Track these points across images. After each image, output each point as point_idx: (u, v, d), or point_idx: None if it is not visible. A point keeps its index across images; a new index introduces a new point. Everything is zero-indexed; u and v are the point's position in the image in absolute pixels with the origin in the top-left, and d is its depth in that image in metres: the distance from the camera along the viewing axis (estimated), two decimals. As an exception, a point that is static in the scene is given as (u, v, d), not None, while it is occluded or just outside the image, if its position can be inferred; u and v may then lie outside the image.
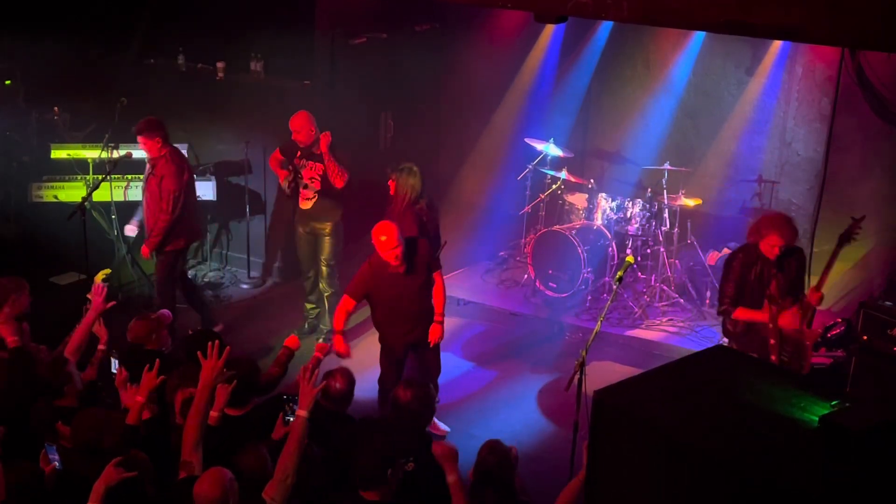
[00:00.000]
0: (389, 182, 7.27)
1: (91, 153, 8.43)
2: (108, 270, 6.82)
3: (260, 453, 4.69)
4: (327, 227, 8.12)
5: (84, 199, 7.22)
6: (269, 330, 8.48)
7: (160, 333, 6.10)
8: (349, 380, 5.44)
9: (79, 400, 5.35)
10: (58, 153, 8.47)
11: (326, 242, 8.20)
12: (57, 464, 4.60)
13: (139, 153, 8.55)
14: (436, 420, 6.80)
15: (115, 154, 8.43)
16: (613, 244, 8.94)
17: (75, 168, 8.78)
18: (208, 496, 4.21)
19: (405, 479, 4.77)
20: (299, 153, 7.95)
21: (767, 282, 6.26)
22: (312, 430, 4.97)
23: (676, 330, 8.55)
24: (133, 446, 4.75)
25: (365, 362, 7.86)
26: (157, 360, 5.16)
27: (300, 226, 8.23)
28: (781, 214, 6.59)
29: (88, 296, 6.43)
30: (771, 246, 6.22)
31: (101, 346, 5.92)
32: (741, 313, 6.36)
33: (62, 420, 4.92)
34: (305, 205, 8.09)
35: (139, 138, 7.54)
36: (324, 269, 8.26)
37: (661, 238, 8.98)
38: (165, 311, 6.45)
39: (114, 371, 5.49)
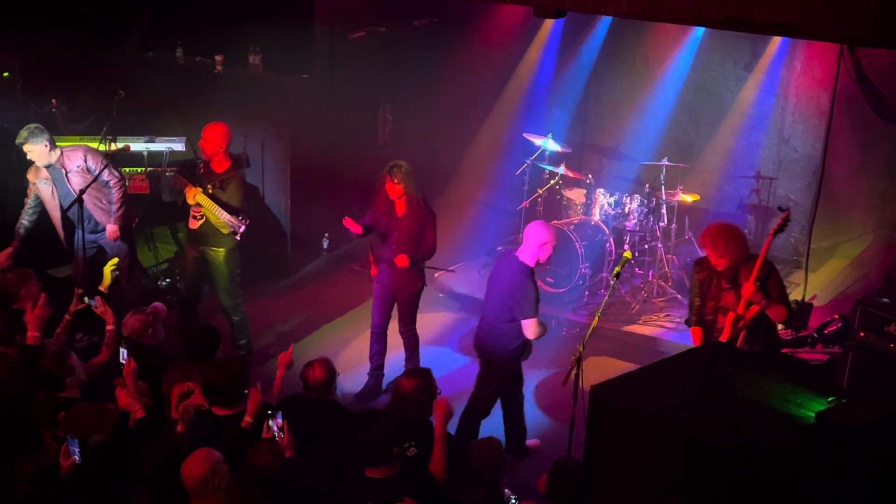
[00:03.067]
0: (389, 186, 6.94)
1: (89, 145, 8.40)
2: (116, 260, 6.84)
3: (274, 449, 4.70)
4: (220, 251, 7.32)
5: (82, 191, 7.21)
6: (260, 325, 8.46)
7: (155, 327, 6.10)
8: (328, 368, 5.46)
9: (81, 392, 5.35)
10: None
11: (221, 272, 7.34)
12: (77, 458, 4.61)
13: (137, 146, 8.56)
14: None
15: (113, 146, 8.43)
16: (611, 240, 8.94)
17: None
18: (192, 475, 4.25)
19: (408, 463, 4.84)
20: (202, 167, 7.36)
21: (718, 296, 6.03)
22: (303, 420, 5.00)
23: (674, 325, 8.55)
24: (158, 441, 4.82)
25: (361, 359, 7.90)
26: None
27: (189, 246, 7.52)
28: (719, 227, 6.01)
29: (101, 287, 6.44)
30: (714, 258, 5.95)
31: (109, 327, 5.95)
32: (694, 335, 6.25)
33: (64, 411, 4.93)
34: (194, 224, 7.31)
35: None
36: (225, 302, 7.52)
37: (658, 234, 8.99)
38: (160, 305, 6.43)
39: (122, 361, 5.50)
